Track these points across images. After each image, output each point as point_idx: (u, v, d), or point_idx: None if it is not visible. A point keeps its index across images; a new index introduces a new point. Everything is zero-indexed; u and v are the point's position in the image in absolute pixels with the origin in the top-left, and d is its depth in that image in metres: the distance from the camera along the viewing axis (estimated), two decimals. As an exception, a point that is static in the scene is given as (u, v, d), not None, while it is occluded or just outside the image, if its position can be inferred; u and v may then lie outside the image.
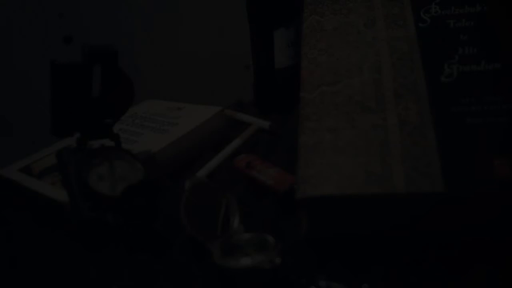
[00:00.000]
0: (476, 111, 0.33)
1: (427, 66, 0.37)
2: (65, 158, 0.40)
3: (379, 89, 0.37)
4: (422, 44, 0.39)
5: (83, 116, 0.41)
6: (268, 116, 0.61)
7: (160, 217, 0.41)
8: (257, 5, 0.58)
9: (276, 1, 0.57)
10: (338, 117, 0.36)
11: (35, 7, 0.74)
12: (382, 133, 0.34)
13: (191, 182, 0.39)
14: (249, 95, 0.67)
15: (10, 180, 0.46)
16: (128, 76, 0.41)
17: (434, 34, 0.39)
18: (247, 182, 0.45)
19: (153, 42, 0.84)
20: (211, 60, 0.86)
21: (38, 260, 0.39)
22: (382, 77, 0.37)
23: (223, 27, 0.84)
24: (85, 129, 0.42)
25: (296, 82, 0.42)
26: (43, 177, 0.45)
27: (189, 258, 0.36)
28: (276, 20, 0.58)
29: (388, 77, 0.37)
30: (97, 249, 0.38)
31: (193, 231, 0.35)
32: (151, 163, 0.47)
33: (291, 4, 0.58)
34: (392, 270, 0.32)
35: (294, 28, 0.59)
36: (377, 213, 0.33)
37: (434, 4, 0.41)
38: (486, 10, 0.39)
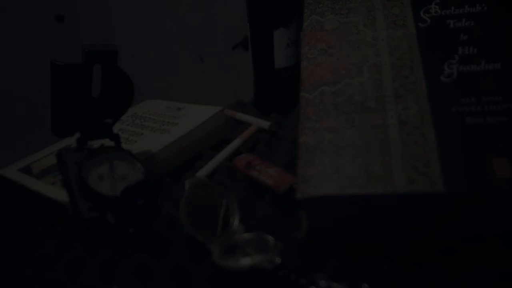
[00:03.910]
0: (476, 111, 0.33)
1: (427, 66, 0.37)
2: (65, 158, 0.40)
3: (379, 89, 0.37)
4: (422, 44, 0.39)
5: (83, 116, 0.41)
6: (268, 116, 0.61)
7: (160, 217, 0.41)
8: (257, 5, 0.59)
9: (276, 1, 0.57)
10: (338, 117, 0.36)
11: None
12: (382, 133, 0.34)
13: (191, 182, 0.39)
14: (249, 95, 0.67)
15: (10, 180, 0.46)
16: (128, 76, 0.41)
17: (434, 34, 0.39)
18: (247, 182, 0.45)
19: (153, 41, 0.84)
20: (211, 60, 0.86)
21: (38, 260, 0.39)
22: (382, 77, 0.37)
23: (223, 27, 0.84)
24: (85, 129, 0.42)
25: (296, 82, 0.42)
26: (43, 177, 0.45)
27: (189, 258, 0.36)
28: (276, 20, 0.58)
29: (388, 77, 0.37)
30: (97, 249, 0.38)
31: (193, 231, 0.35)
32: (151, 163, 0.47)
33: (291, 4, 0.58)
34: (392, 270, 0.32)
35: (294, 28, 0.59)
36: (377, 213, 0.33)
37: (434, 4, 0.41)
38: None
